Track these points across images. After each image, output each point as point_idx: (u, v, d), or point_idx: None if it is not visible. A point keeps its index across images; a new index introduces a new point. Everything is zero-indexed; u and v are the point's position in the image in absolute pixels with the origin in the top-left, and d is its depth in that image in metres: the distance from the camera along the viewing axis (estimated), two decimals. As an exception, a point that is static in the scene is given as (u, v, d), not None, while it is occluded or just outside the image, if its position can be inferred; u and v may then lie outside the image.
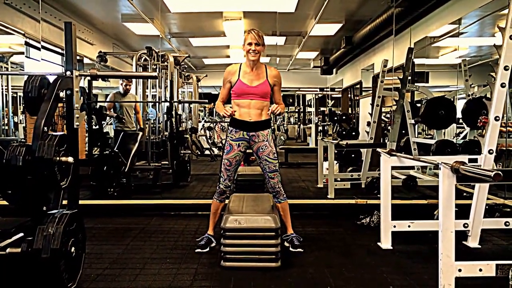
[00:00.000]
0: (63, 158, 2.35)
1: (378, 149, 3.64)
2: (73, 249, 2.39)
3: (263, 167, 3.37)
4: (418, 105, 6.84)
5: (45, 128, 2.32)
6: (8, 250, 2.24)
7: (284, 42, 10.51)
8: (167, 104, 6.53)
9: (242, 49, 3.32)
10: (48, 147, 2.24)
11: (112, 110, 6.59)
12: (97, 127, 5.52)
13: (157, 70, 7.27)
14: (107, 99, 6.67)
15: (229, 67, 3.39)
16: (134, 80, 7.14)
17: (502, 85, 3.14)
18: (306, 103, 20.97)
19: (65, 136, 2.44)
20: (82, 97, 2.69)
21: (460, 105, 6.13)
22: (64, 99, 2.53)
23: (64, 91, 2.51)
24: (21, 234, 2.38)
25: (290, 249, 3.38)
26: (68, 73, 2.58)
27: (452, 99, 6.26)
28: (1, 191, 2.53)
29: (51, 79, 2.56)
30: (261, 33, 3.28)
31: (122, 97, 6.46)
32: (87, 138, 5.99)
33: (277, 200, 3.42)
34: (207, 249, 3.39)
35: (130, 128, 6.47)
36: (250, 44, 3.23)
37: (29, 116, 6.17)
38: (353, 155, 7.55)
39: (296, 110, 21.21)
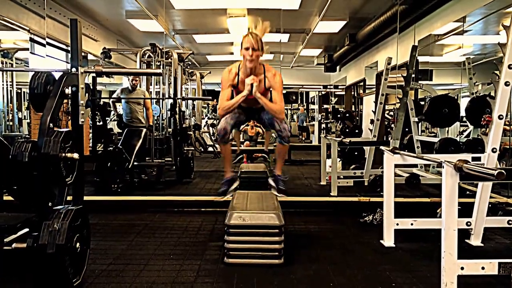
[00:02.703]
0: (69, 154, 2.37)
1: (382, 147, 3.64)
2: (78, 244, 2.41)
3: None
4: (422, 103, 6.84)
5: (51, 124, 2.34)
6: (14, 245, 2.27)
7: (288, 39, 10.49)
8: (171, 100, 6.54)
9: (240, 53, 3.22)
10: (53, 144, 2.26)
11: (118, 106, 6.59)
12: (101, 123, 5.54)
13: (161, 66, 7.28)
14: (114, 95, 6.66)
15: (227, 70, 3.29)
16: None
17: (506, 84, 3.14)
18: (310, 101, 20.96)
19: (70, 133, 2.45)
20: (86, 94, 2.71)
21: (464, 103, 6.12)
22: (69, 96, 2.55)
23: (69, 88, 2.53)
24: (27, 230, 2.40)
25: (272, 191, 3.37)
26: (74, 69, 2.60)
27: (456, 97, 6.25)
28: (7, 186, 2.55)
29: (57, 75, 2.58)
30: (259, 36, 3.11)
31: (130, 93, 6.42)
32: (91, 134, 6.01)
33: (280, 140, 3.36)
34: (230, 194, 3.43)
35: (138, 124, 6.43)
36: (247, 48, 3.07)
37: (34, 112, 6.20)
38: (356, 153, 7.55)
39: (299, 107, 21.19)
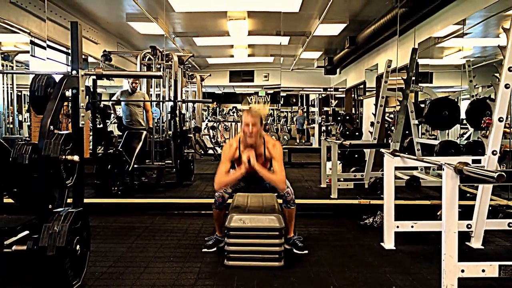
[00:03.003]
0: (69, 157, 2.37)
1: (382, 150, 3.64)
2: (78, 247, 2.41)
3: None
4: (422, 105, 6.84)
5: (51, 127, 2.34)
6: (14, 247, 2.26)
7: (288, 42, 10.51)
8: (171, 103, 6.54)
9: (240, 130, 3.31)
10: (54, 146, 2.26)
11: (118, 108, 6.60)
12: (101, 125, 5.54)
13: (161, 69, 7.29)
14: (114, 97, 6.67)
15: (228, 144, 3.40)
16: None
17: (506, 86, 3.14)
18: (310, 103, 20.95)
19: (70, 135, 2.45)
20: (87, 96, 2.71)
21: (464, 106, 6.13)
22: (70, 98, 2.55)
23: (70, 90, 2.53)
24: (27, 232, 2.40)
25: (295, 251, 3.36)
26: (74, 72, 2.60)
27: (456, 100, 6.26)
28: (7, 189, 2.55)
29: (57, 78, 2.58)
30: (258, 111, 3.25)
31: (130, 95, 6.44)
32: (91, 137, 6.01)
33: (286, 205, 3.36)
34: (214, 248, 3.40)
35: (138, 126, 6.45)
36: (247, 125, 3.20)
37: (34, 115, 6.21)
38: (356, 155, 7.56)
39: (298, 110, 21.17)
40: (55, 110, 2.39)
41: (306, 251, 3.36)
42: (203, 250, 3.39)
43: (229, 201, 3.48)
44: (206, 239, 3.55)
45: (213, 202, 3.33)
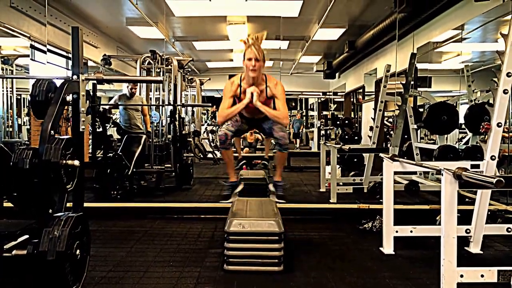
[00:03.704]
0: (69, 162, 2.38)
1: (381, 154, 3.65)
2: (78, 251, 2.41)
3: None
4: (421, 110, 6.86)
5: (52, 131, 2.35)
6: (14, 252, 2.26)
7: (288, 46, 10.55)
8: (171, 107, 6.56)
9: (242, 64, 3.28)
10: (55, 151, 2.27)
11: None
12: (101, 129, 5.55)
13: (161, 73, 7.31)
14: (112, 101, 6.69)
15: (229, 82, 3.39)
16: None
17: (505, 92, 3.16)
18: (309, 107, 20.97)
19: (71, 140, 2.46)
20: (87, 100, 2.72)
21: (462, 110, 6.15)
22: (70, 103, 2.56)
23: (70, 95, 2.54)
24: (27, 236, 2.40)
25: (271, 197, 3.40)
26: (75, 77, 2.61)
27: (454, 105, 6.27)
28: (7, 193, 2.56)
29: (58, 82, 2.59)
30: (261, 48, 3.21)
31: (128, 100, 6.47)
32: (90, 141, 6.02)
33: (279, 148, 3.39)
34: (239, 188, 3.47)
35: (136, 130, 6.47)
36: (250, 59, 3.18)
37: (34, 119, 6.21)
38: (355, 160, 7.57)
39: (298, 113, 21.19)
40: (56, 115, 2.39)
41: (283, 201, 3.39)
42: (224, 202, 3.45)
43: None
44: (225, 184, 3.57)
45: (218, 141, 3.35)
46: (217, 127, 13.45)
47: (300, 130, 18.70)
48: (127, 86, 6.43)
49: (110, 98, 7.68)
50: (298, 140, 18.40)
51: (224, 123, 3.33)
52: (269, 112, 3.22)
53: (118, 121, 6.60)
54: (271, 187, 3.50)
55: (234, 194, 3.51)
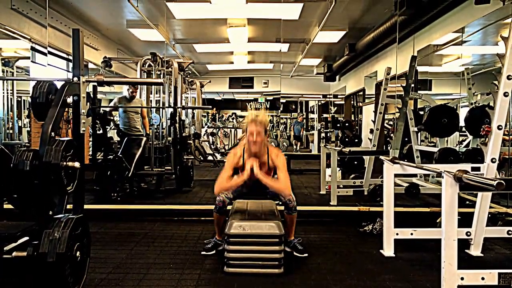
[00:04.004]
0: (70, 163, 2.38)
1: (382, 157, 3.65)
2: (78, 253, 2.41)
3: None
4: (421, 112, 6.86)
5: (52, 133, 2.35)
6: (14, 253, 2.26)
7: (288, 48, 10.55)
8: (171, 109, 6.56)
9: (244, 138, 3.38)
10: (55, 152, 2.27)
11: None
12: (101, 131, 5.55)
13: (162, 75, 7.31)
14: (111, 103, 6.70)
15: (232, 152, 3.46)
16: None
17: (505, 94, 3.16)
18: (309, 110, 20.96)
19: (71, 142, 2.46)
20: (87, 102, 2.72)
21: (463, 113, 6.14)
22: (71, 105, 2.56)
23: (71, 97, 2.54)
24: (27, 238, 2.39)
25: (295, 253, 3.41)
26: (75, 79, 2.61)
27: (455, 107, 6.27)
28: (7, 195, 2.55)
29: (59, 84, 2.59)
30: (263, 121, 3.29)
31: (128, 102, 6.48)
32: (91, 143, 6.02)
33: (288, 211, 3.39)
34: (213, 251, 3.44)
35: (135, 133, 6.49)
36: (251, 134, 3.25)
37: (34, 120, 6.21)
38: (355, 162, 7.56)
39: (300, 116, 21.18)
40: (57, 116, 2.40)
41: (306, 254, 3.39)
42: (202, 253, 3.41)
43: (229, 207, 3.49)
44: (206, 241, 3.59)
45: (214, 206, 3.35)
46: (217, 129, 13.50)
47: (301, 133, 18.68)
48: (128, 89, 6.44)
49: (110, 100, 7.69)
50: (298, 143, 18.37)
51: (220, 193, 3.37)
52: (272, 185, 3.30)
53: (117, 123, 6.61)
54: (287, 249, 3.46)
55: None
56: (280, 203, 3.40)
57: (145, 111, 6.81)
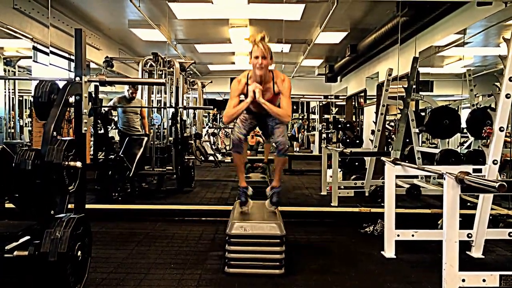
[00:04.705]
0: (72, 163, 2.38)
1: (383, 158, 3.65)
2: (79, 253, 2.41)
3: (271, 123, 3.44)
4: (423, 114, 6.86)
5: (54, 133, 2.35)
6: (15, 253, 2.26)
7: (289, 49, 10.55)
8: (172, 109, 6.57)
9: (248, 62, 3.29)
10: (57, 152, 2.27)
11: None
12: (103, 131, 5.56)
13: (163, 76, 7.32)
14: (111, 103, 6.71)
15: (236, 80, 3.40)
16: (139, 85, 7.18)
17: (507, 96, 3.16)
18: (310, 110, 20.98)
19: (73, 141, 2.46)
20: (89, 102, 2.73)
21: (464, 114, 6.14)
22: (73, 105, 2.56)
23: (73, 97, 2.54)
24: (28, 237, 2.40)
25: (266, 204, 3.49)
26: (78, 78, 2.62)
27: (456, 109, 6.27)
28: (9, 194, 2.55)
29: (61, 84, 2.59)
30: (268, 45, 3.22)
31: (127, 102, 6.49)
32: (92, 143, 6.02)
33: (277, 153, 3.40)
34: (250, 200, 3.52)
35: (134, 132, 6.49)
36: (256, 57, 3.18)
37: (36, 120, 6.22)
38: (356, 163, 7.56)
39: (300, 117, 21.19)
40: (59, 116, 2.40)
41: (274, 207, 3.47)
42: (242, 207, 3.48)
43: (230, 207, 3.50)
44: (237, 195, 3.61)
45: (231, 146, 3.37)
46: (218, 129, 13.49)
47: (301, 134, 18.69)
48: (127, 90, 6.45)
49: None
50: (295, 143, 18.37)
51: (230, 123, 3.37)
52: (272, 109, 3.25)
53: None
54: (267, 191, 3.51)
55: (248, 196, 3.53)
56: (274, 145, 3.40)
57: (144, 111, 6.82)
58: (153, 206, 5.00)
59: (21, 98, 8.64)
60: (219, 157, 10.87)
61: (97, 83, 4.22)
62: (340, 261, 3.39)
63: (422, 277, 3.03)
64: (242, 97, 3.40)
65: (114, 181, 5.34)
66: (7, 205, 2.74)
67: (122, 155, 5.57)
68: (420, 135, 6.38)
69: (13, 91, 7.75)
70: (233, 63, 12.46)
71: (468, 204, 4.86)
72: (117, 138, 7.00)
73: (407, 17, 6.04)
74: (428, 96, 6.84)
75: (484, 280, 2.46)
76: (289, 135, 19.43)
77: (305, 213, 4.76)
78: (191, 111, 10.62)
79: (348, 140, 9.76)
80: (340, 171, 6.52)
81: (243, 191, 3.50)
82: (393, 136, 8.42)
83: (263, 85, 3.28)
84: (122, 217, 4.63)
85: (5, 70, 7.45)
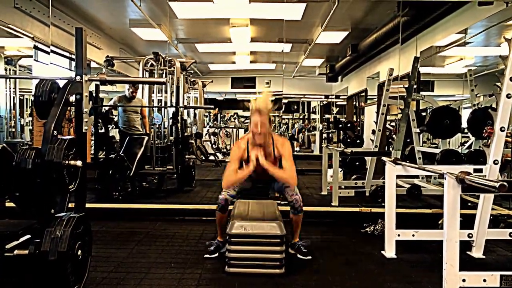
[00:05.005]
0: (72, 162, 2.38)
1: (384, 158, 3.65)
2: (79, 252, 2.41)
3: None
4: (424, 114, 6.86)
5: (55, 132, 2.35)
6: (15, 251, 2.26)
7: (290, 49, 10.54)
8: (173, 109, 6.56)
9: (248, 128, 3.33)
10: (57, 151, 2.27)
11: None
12: (103, 130, 5.56)
13: (164, 75, 7.31)
14: (111, 102, 6.71)
15: (236, 145, 3.43)
16: (140, 84, 7.18)
17: (508, 96, 3.15)
18: (311, 110, 20.96)
19: (74, 140, 2.46)
20: (90, 101, 2.72)
21: (465, 114, 6.14)
22: (73, 104, 2.56)
23: (74, 96, 2.54)
24: (28, 236, 2.40)
25: (299, 256, 3.39)
26: (78, 78, 2.61)
27: (457, 109, 6.27)
28: (9, 193, 2.55)
29: (61, 83, 2.59)
30: (266, 110, 3.23)
31: (128, 101, 6.49)
32: (93, 142, 6.02)
33: (294, 212, 3.38)
34: (216, 254, 3.39)
35: (135, 131, 6.49)
36: (256, 125, 3.21)
37: (37, 119, 6.22)
38: (357, 163, 7.55)
39: (301, 116, 21.18)
40: (59, 115, 2.40)
41: (309, 257, 3.37)
42: (205, 256, 3.38)
43: (230, 207, 3.48)
44: (207, 243, 3.54)
45: (217, 205, 3.33)
46: (218, 129, 13.50)
47: (301, 134, 18.69)
48: (128, 89, 6.44)
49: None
50: (295, 142, 18.35)
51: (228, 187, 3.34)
52: (276, 173, 3.25)
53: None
54: (292, 251, 3.45)
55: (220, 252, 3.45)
56: (286, 202, 3.38)
57: (145, 110, 6.81)
58: (153, 206, 5.00)
59: (22, 97, 8.64)
60: (220, 156, 10.87)
61: (98, 82, 4.23)
62: (341, 261, 3.39)
63: (422, 277, 3.03)
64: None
65: (115, 180, 5.34)
66: (7, 204, 2.74)
67: (122, 155, 5.57)
68: (421, 135, 6.37)
69: (14, 90, 7.76)
70: (234, 62, 12.45)
71: (469, 204, 4.85)
72: (117, 137, 7.00)
73: (408, 17, 6.04)
74: (429, 96, 6.83)
75: (484, 280, 2.46)
76: (289, 135, 19.47)
77: (305, 212, 4.73)
78: (191, 110, 10.61)
79: (348, 140, 9.74)
80: (340, 171, 6.51)
81: (217, 243, 3.44)
82: (393, 136, 8.42)
83: (263, 149, 3.29)
84: (122, 216, 4.64)
85: (6, 69, 7.46)
